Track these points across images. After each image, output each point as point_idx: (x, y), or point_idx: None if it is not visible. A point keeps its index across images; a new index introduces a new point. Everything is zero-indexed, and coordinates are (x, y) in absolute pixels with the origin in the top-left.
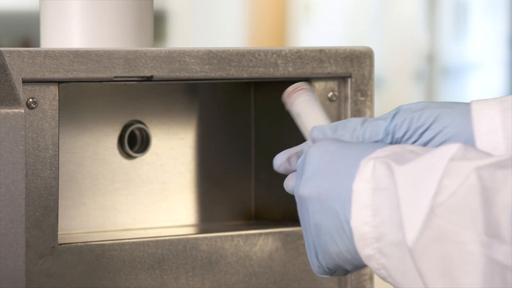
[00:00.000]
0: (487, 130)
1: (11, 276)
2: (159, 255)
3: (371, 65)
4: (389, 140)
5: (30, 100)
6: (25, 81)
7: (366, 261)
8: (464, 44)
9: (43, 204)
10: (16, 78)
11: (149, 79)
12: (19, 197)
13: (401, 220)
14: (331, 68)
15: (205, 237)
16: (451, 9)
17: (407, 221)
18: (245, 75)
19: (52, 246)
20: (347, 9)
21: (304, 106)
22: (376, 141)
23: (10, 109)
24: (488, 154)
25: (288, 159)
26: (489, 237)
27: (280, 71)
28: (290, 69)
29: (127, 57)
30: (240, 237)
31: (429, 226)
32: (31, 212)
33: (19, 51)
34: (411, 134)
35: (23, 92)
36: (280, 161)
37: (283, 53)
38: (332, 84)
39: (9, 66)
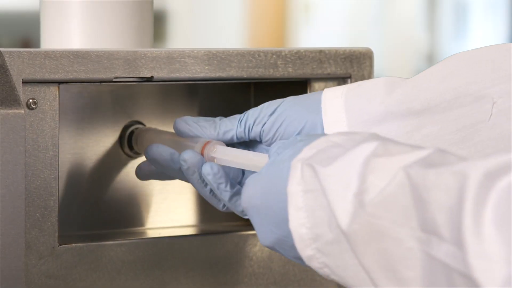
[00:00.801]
0: (333, 120)
1: (11, 276)
2: (159, 255)
3: (371, 65)
4: (242, 128)
5: (30, 100)
6: (25, 82)
7: (308, 262)
8: (464, 44)
9: (43, 204)
10: (16, 79)
11: (149, 79)
12: (19, 198)
13: (334, 219)
14: (330, 69)
15: (205, 237)
16: (451, 9)
17: (339, 219)
18: (245, 76)
19: (52, 247)
20: (347, 9)
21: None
22: (231, 130)
23: (10, 109)
24: (408, 146)
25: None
26: (426, 233)
27: (280, 72)
28: (290, 69)
29: (127, 57)
30: (240, 237)
31: (359, 222)
32: (31, 213)
33: (19, 51)
34: (260, 120)
35: (23, 93)
36: (144, 178)
37: (283, 53)
38: (332, 85)
39: (9, 67)
